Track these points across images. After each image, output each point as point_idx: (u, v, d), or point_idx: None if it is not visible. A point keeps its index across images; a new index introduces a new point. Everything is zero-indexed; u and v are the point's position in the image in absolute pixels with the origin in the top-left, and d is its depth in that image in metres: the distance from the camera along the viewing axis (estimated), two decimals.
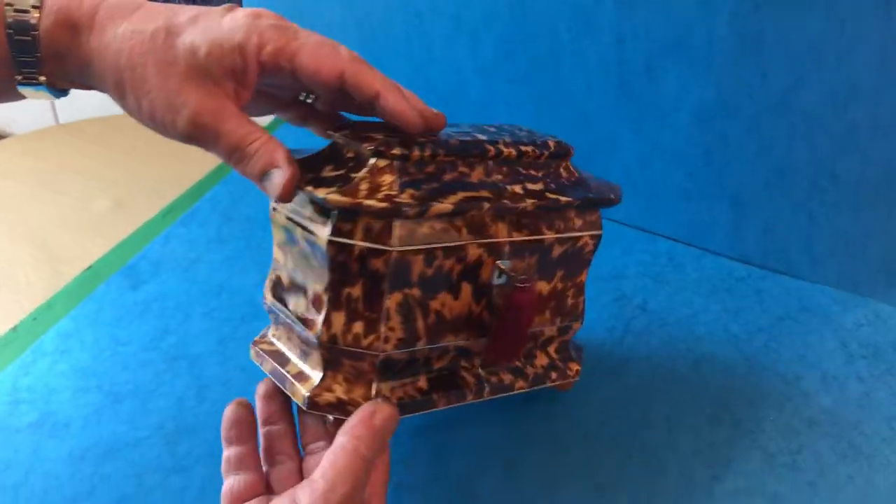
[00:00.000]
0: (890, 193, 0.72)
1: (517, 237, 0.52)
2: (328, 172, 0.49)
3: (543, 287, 0.55)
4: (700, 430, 0.65)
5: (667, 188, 0.80)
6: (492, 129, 0.57)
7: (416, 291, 0.49)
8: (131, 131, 1.00)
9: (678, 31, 0.71)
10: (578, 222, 0.55)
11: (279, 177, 0.45)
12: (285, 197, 0.45)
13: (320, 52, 0.45)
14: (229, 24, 0.44)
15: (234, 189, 0.85)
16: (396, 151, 0.47)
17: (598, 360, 0.69)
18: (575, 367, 0.61)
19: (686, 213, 0.81)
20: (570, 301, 0.58)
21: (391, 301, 0.48)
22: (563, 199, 0.53)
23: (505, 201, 0.51)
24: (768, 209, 0.77)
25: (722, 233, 0.80)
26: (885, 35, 0.65)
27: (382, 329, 0.48)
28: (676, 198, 0.80)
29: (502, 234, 0.51)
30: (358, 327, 0.48)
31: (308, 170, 0.49)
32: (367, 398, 0.49)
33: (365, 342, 0.48)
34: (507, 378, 0.58)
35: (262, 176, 0.45)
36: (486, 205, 0.49)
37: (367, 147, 0.48)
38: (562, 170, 0.56)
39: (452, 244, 0.49)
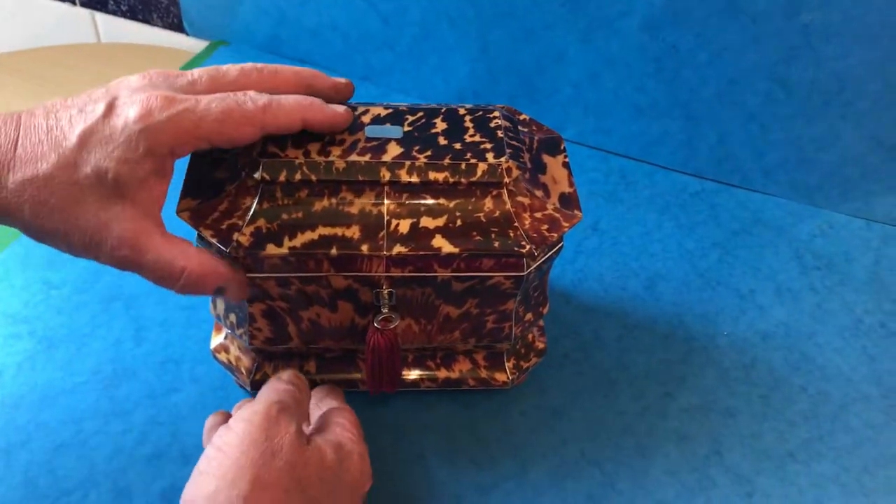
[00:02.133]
0: (840, 99, 0.70)
1: (396, 272, 0.48)
2: (217, 174, 0.49)
3: (452, 311, 0.51)
4: (653, 348, 0.64)
5: (618, 103, 0.78)
6: (420, 122, 0.51)
7: (281, 304, 0.50)
8: (61, 62, 0.95)
9: None
10: (488, 262, 0.48)
11: (231, 290, 0.47)
12: (243, 298, 0.48)
13: (230, 121, 0.43)
14: (125, 133, 0.41)
15: None
16: (264, 176, 0.46)
17: (551, 282, 0.68)
18: (501, 377, 0.58)
19: (638, 127, 0.78)
20: (490, 325, 0.53)
21: (254, 308, 0.50)
22: (446, 250, 0.47)
23: (376, 247, 0.47)
24: (721, 121, 0.75)
25: (674, 147, 0.78)
26: None
27: (248, 328, 0.52)
28: (628, 113, 0.78)
29: (377, 269, 0.48)
30: (232, 318, 0.53)
31: (209, 166, 0.50)
32: (250, 370, 0.56)
33: (239, 331, 0.53)
34: (414, 375, 0.57)
35: (215, 295, 0.47)
36: (335, 251, 0.46)
37: (242, 161, 0.47)
38: (488, 200, 0.48)
39: (309, 275, 0.48)
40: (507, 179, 0.48)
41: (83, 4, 1.01)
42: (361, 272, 0.48)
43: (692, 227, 0.74)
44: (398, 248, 0.47)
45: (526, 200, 0.49)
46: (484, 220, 0.48)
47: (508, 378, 0.58)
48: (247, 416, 0.43)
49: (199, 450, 0.55)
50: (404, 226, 0.47)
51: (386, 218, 0.47)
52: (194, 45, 0.97)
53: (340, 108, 0.48)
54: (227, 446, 0.41)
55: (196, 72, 0.45)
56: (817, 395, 0.62)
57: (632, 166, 0.80)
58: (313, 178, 0.47)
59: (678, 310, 0.67)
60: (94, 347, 0.61)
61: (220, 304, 0.55)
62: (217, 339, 0.59)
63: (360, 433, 0.48)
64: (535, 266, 0.49)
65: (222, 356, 0.58)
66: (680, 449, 0.57)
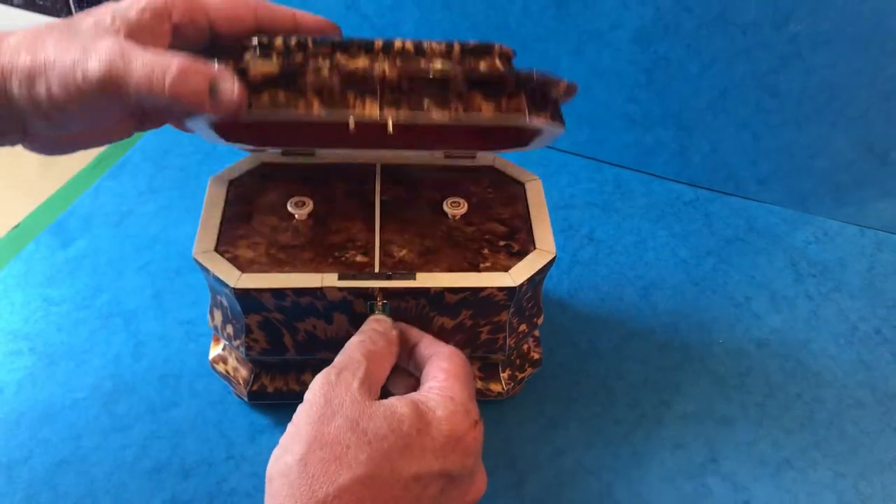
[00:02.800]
0: (832, 108, 0.71)
1: (386, 284, 0.49)
2: None
3: (446, 322, 0.52)
4: (649, 356, 0.64)
5: (610, 113, 0.78)
6: None
7: (277, 315, 0.51)
8: None
9: None
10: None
11: (225, 91, 0.40)
12: (240, 104, 0.41)
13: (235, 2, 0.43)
14: None
15: (165, 138, 0.81)
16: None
17: (546, 292, 0.68)
18: (496, 388, 0.58)
19: (631, 137, 0.79)
20: (484, 337, 0.54)
21: (250, 319, 0.51)
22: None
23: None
24: (713, 130, 0.76)
25: (668, 156, 0.79)
26: None
27: (245, 339, 0.52)
28: (620, 123, 0.78)
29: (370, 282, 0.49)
30: (229, 329, 0.54)
31: None
32: (247, 381, 0.57)
33: (236, 342, 0.54)
34: None
35: (210, 91, 0.40)
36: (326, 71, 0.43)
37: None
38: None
39: (303, 287, 0.49)
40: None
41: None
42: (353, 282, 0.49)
43: (687, 235, 0.75)
44: None
45: None
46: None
47: (503, 389, 0.58)
48: (312, 384, 0.43)
49: (200, 463, 0.56)
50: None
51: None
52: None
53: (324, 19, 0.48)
54: (295, 417, 0.41)
55: None
56: (813, 402, 0.62)
57: (626, 175, 0.81)
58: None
59: (674, 318, 0.67)
60: (94, 363, 0.61)
61: (218, 315, 0.55)
62: (215, 350, 0.60)
63: (463, 389, 0.44)
64: (527, 278, 0.50)
65: (220, 367, 0.59)
66: (676, 457, 0.58)
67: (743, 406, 0.61)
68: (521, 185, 0.57)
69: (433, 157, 0.58)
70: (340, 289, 0.49)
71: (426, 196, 0.56)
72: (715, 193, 0.79)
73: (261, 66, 0.42)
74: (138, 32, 0.41)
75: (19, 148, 0.44)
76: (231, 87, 0.40)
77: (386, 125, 0.42)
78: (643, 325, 0.67)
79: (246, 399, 0.57)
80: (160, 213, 0.73)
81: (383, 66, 0.42)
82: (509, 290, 0.50)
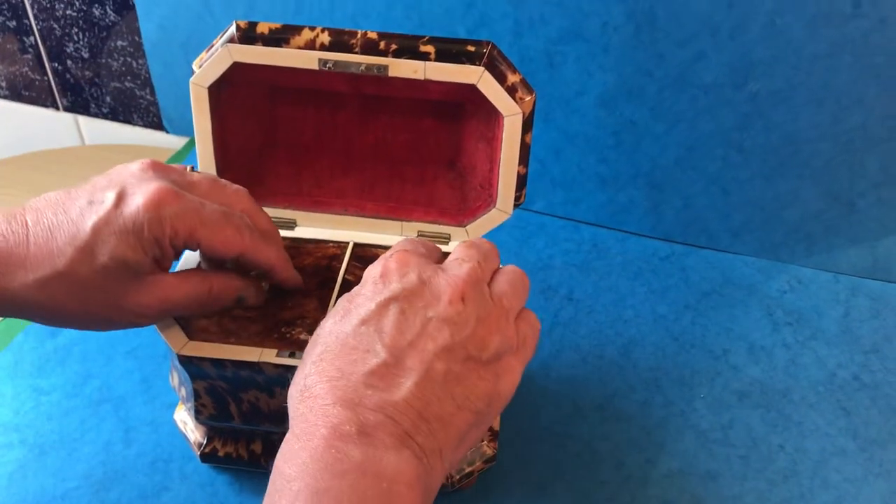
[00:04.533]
0: (796, 160, 0.73)
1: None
2: None
3: None
4: (632, 415, 0.65)
5: (583, 175, 0.80)
6: None
7: (221, 383, 0.53)
8: (43, 168, 0.98)
9: (574, 20, 0.71)
10: None
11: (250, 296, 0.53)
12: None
13: (224, 235, 0.47)
14: (136, 221, 0.44)
15: None
16: None
17: None
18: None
19: (605, 197, 0.81)
20: None
21: (197, 385, 0.53)
22: None
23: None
24: (683, 186, 0.78)
25: (642, 214, 0.81)
26: (771, 9, 0.66)
27: (194, 402, 0.54)
28: (593, 183, 0.80)
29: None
30: (183, 392, 0.56)
31: None
32: (200, 444, 0.59)
33: (188, 405, 0.56)
34: None
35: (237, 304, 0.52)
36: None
37: None
38: None
39: (242, 360, 0.51)
40: None
41: (66, 109, 1.05)
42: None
43: (664, 290, 0.76)
44: None
45: None
46: None
47: (449, 481, 0.56)
48: None
49: None
50: None
51: None
52: (174, 142, 1.01)
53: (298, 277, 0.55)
54: None
55: (196, 175, 0.50)
56: (795, 452, 0.63)
57: (603, 234, 0.82)
58: None
59: (655, 374, 0.68)
60: (85, 451, 0.62)
61: (176, 377, 0.57)
62: (181, 410, 0.62)
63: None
64: None
65: (181, 426, 0.61)
66: None
67: (727, 460, 0.62)
68: None
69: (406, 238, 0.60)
70: (276, 365, 0.50)
71: None
72: (690, 248, 0.81)
73: None
74: (153, 268, 0.47)
75: None
76: (256, 297, 0.53)
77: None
78: (625, 383, 0.68)
79: (200, 461, 0.59)
80: None
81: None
82: None
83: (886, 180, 0.71)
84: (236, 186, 0.51)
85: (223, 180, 0.51)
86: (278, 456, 0.37)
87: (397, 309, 0.40)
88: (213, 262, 0.53)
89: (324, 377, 0.38)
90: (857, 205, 0.73)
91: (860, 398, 0.67)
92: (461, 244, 0.46)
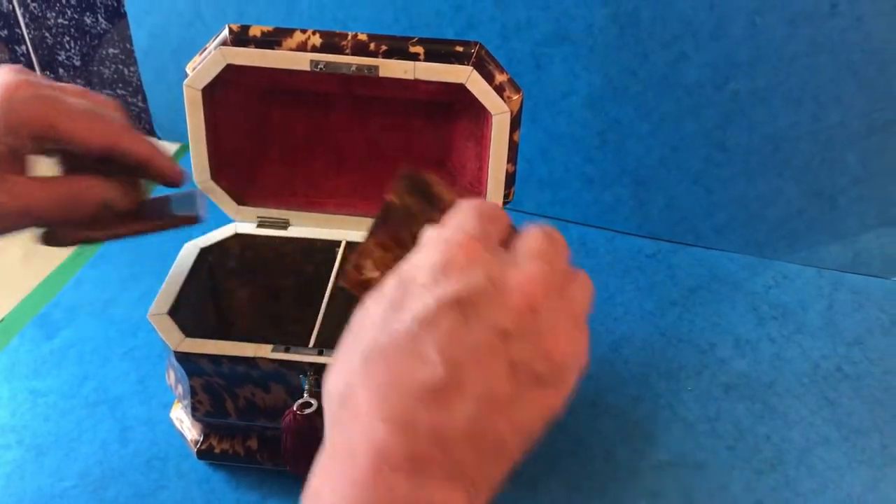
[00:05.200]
0: (777, 158, 0.74)
1: (318, 359, 0.51)
2: None
3: None
4: (623, 409, 0.66)
5: (570, 174, 0.82)
6: None
7: (218, 379, 0.54)
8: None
9: (559, 23, 0.73)
10: None
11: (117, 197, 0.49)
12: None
13: (92, 125, 0.45)
14: None
15: None
16: None
17: None
18: None
19: (591, 196, 0.82)
20: None
21: (194, 381, 0.55)
22: None
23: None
24: (668, 185, 0.79)
25: (628, 212, 0.82)
26: (751, 9, 0.67)
27: (191, 400, 0.55)
28: (580, 183, 0.82)
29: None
30: (180, 389, 0.57)
31: None
32: (197, 441, 0.60)
33: (184, 402, 0.57)
34: None
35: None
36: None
37: None
38: None
39: (238, 355, 0.52)
40: None
41: None
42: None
43: (651, 287, 0.78)
44: None
45: None
46: None
47: None
48: None
49: None
50: None
51: None
52: (166, 148, 1.01)
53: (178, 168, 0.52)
54: None
55: (69, 85, 0.48)
56: (781, 442, 0.64)
57: (591, 234, 0.84)
58: None
59: (644, 370, 0.70)
60: (82, 451, 0.63)
61: (172, 375, 0.58)
62: (177, 408, 0.63)
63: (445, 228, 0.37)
64: None
65: (177, 424, 0.62)
66: None
67: (714, 451, 0.63)
68: None
69: None
70: (272, 360, 0.51)
71: None
72: (676, 245, 0.82)
73: None
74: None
75: (1, 244, 0.47)
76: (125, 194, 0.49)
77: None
78: (615, 378, 0.69)
79: (196, 457, 0.60)
80: (142, 299, 0.75)
81: None
82: None
83: (865, 176, 0.73)
84: (105, 95, 0.50)
85: (97, 94, 0.49)
86: (315, 471, 0.33)
87: (460, 314, 0.33)
88: (76, 165, 0.49)
89: (372, 382, 0.32)
90: (837, 201, 0.75)
91: (843, 389, 0.68)
92: (537, 230, 0.37)
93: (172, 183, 0.51)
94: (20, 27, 0.98)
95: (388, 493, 0.31)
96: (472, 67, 0.52)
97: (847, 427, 0.65)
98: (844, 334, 0.73)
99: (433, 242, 0.36)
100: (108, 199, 0.48)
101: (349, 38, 0.53)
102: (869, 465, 0.62)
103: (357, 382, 0.33)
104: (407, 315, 0.33)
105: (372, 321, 0.34)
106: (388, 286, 0.35)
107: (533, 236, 0.37)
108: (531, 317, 0.34)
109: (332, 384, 0.34)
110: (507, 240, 0.37)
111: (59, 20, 0.96)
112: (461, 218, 0.37)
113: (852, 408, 0.67)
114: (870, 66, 0.67)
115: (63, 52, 0.99)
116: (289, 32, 0.54)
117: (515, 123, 0.55)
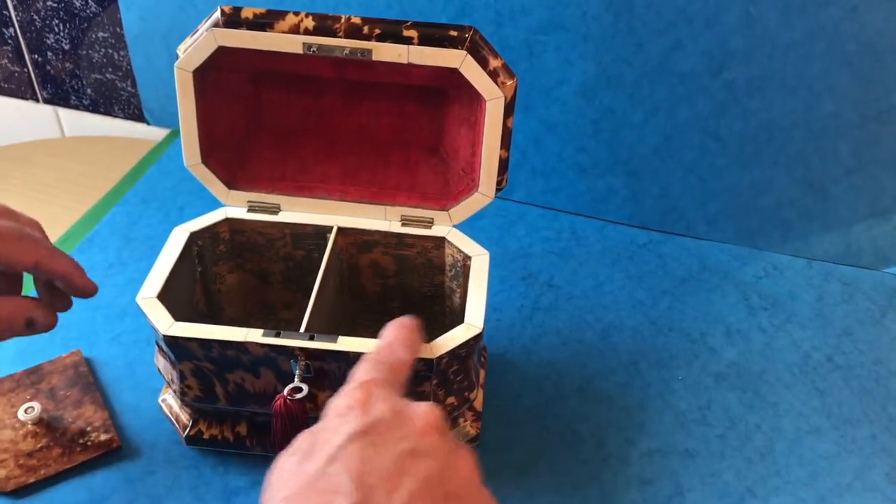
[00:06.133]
0: (771, 148, 0.74)
1: (307, 344, 0.51)
2: None
3: None
4: (612, 396, 0.66)
5: (562, 163, 0.81)
6: None
7: (207, 364, 0.54)
8: (23, 160, 0.98)
9: (553, 10, 0.72)
10: None
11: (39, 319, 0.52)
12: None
13: (19, 245, 0.49)
14: None
15: (132, 210, 0.83)
16: None
17: (510, 340, 0.71)
18: None
19: (584, 185, 0.82)
20: None
21: (183, 366, 0.54)
22: None
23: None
24: (661, 174, 0.79)
25: (620, 202, 0.82)
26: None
27: (180, 384, 0.55)
28: (573, 172, 0.82)
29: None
30: (169, 374, 0.57)
31: None
32: (186, 426, 0.60)
33: (174, 387, 0.57)
34: None
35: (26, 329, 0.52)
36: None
37: None
38: None
39: (228, 339, 0.51)
40: None
41: (46, 101, 1.05)
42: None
43: (642, 276, 0.78)
44: None
45: None
46: None
47: None
48: None
49: None
50: None
51: None
52: (155, 133, 1.01)
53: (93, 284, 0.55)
54: None
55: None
56: (771, 431, 0.64)
57: (582, 223, 0.84)
58: None
59: (634, 358, 0.70)
60: None
61: (161, 360, 0.58)
62: (166, 392, 0.63)
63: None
64: (447, 351, 0.51)
65: (166, 409, 0.62)
66: (643, 493, 0.59)
67: (705, 439, 0.63)
68: (468, 258, 0.58)
69: (390, 225, 0.60)
70: (262, 345, 0.51)
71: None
72: (667, 235, 0.82)
73: None
74: None
75: None
76: (45, 320, 0.52)
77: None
78: (605, 366, 0.69)
79: (184, 444, 0.60)
80: (130, 285, 0.75)
81: None
82: (427, 362, 0.51)
83: (858, 166, 0.73)
84: (29, 216, 0.53)
85: (15, 210, 0.53)
86: None
87: (368, 442, 0.36)
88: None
89: None
90: (830, 191, 0.75)
91: (833, 379, 0.68)
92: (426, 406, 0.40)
93: (87, 295, 0.54)
94: (8, 9, 0.97)
95: None
96: (466, 52, 0.52)
97: (837, 417, 0.65)
98: (835, 325, 0.73)
99: (336, 398, 0.39)
100: (32, 317, 0.52)
101: (342, 21, 0.53)
102: (859, 454, 0.62)
103: None
104: (318, 457, 0.35)
105: (287, 472, 0.36)
106: (299, 440, 0.37)
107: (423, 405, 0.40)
108: (436, 435, 0.37)
109: None
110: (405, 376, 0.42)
111: (48, 3, 0.95)
112: (359, 369, 0.41)
113: (842, 398, 0.67)
114: (864, 56, 0.67)
115: (52, 36, 0.98)
116: (281, 15, 0.53)
117: (509, 109, 0.54)
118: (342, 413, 0.38)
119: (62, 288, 0.53)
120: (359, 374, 0.41)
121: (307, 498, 0.34)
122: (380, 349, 0.43)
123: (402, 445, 0.36)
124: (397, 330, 0.45)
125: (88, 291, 0.54)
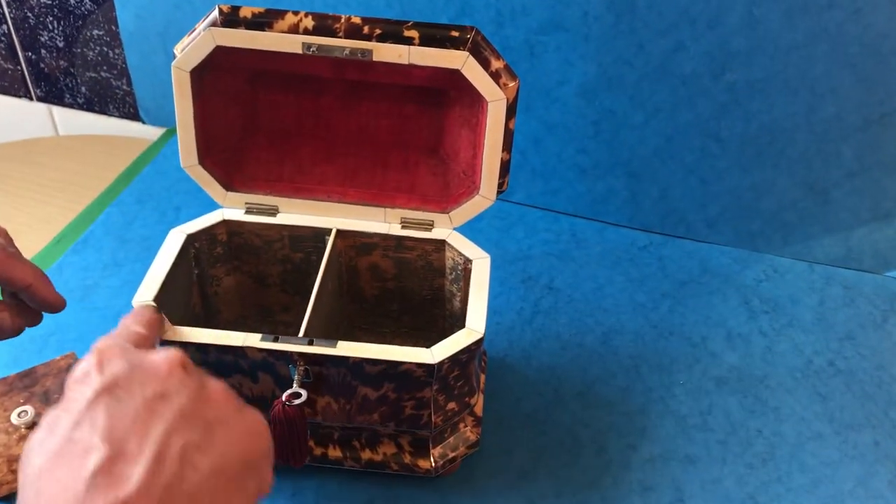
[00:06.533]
0: (773, 151, 0.74)
1: (306, 349, 0.50)
2: None
3: (369, 392, 0.52)
4: (613, 401, 0.66)
5: (562, 165, 0.81)
6: None
7: (204, 368, 0.52)
8: (16, 159, 0.97)
9: (554, 10, 0.72)
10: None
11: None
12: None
13: None
14: None
15: (127, 210, 0.82)
16: None
17: (510, 343, 0.70)
18: (425, 465, 0.57)
19: (584, 187, 0.82)
20: (409, 412, 0.53)
21: None
22: None
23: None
24: (661, 176, 0.78)
25: (620, 204, 0.81)
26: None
27: None
28: (573, 173, 0.81)
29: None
30: None
31: None
32: None
33: None
34: (335, 453, 0.57)
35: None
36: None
37: None
38: None
39: (226, 344, 0.50)
40: None
41: (40, 99, 1.03)
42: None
43: (642, 279, 0.77)
44: None
45: None
46: None
47: (432, 466, 0.57)
48: None
49: None
50: None
51: None
52: (151, 132, 1.00)
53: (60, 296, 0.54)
54: None
55: None
56: (773, 436, 0.64)
57: (581, 224, 0.83)
58: None
59: (634, 362, 0.69)
60: None
61: None
62: None
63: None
64: (448, 356, 0.50)
65: None
66: (644, 499, 0.59)
67: (706, 445, 0.63)
68: (469, 261, 0.57)
69: (390, 227, 0.60)
70: (261, 349, 0.50)
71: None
72: (667, 237, 0.82)
73: None
74: None
75: None
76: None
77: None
78: (605, 370, 0.68)
79: None
80: (125, 286, 0.74)
81: None
82: (428, 367, 0.50)
83: (860, 170, 0.73)
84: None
85: None
86: None
87: (111, 398, 0.35)
88: None
89: (42, 497, 0.32)
90: (831, 194, 0.75)
91: (835, 384, 0.68)
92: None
93: (53, 309, 0.53)
94: (1, 6, 0.96)
95: None
96: (468, 53, 0.51)
97: (839, 422, 0.65)
98: (836, 329, 0.73)
99: (73, 369, 0.38)
100: None
101: (342, 20, 0.52)
102: (861, 460, 0.62)
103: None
104: (63, 426, 0.34)
105: (36, 448, 0.34)
106: (44, 417, 0.36)
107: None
108: (182, 374, 0.37)
109: None
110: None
111: (43, 0, 0.94)
112: (96, 343, 0.39)
113: (844, 403, 0.66)
114: (867, 58, 0.67)
115: (46, 33, 0.97)
116: (280, 14, 0.52)
117: (511, 111, 0.53)
118: (80, 380, 0.37)
119: (26, 300, 0.51)
120: (96, 344, 0.40)
121: (58, 465, 0.33)
122: (114, 330, 0.45)
123: (146, 392, 0.35)
124: (131, 313, 0.47)
125: (54, 304, 0.52)
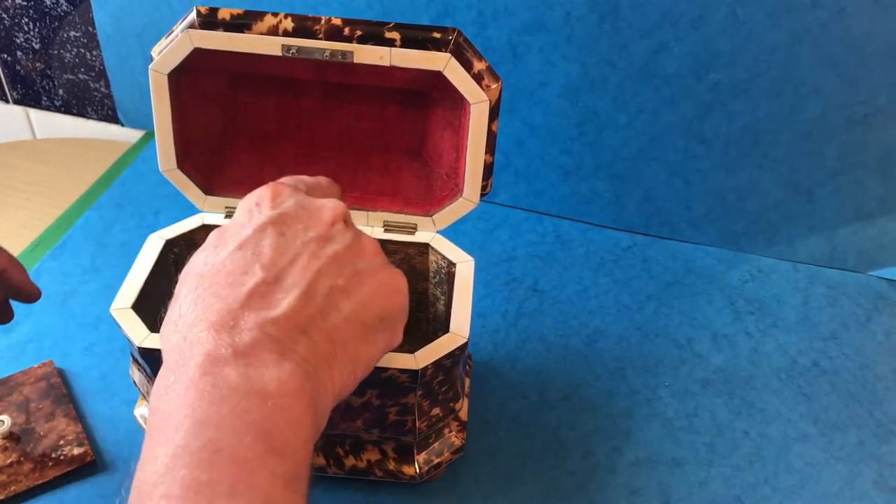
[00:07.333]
0: (757, 151, 0.74)
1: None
2: None
3: (353, 399, 0.51)
4: (598, 404, 0.65)
5: (546, 166, 0.80)
6: None
7: None
8: None
9: (537, 11, 0.71)
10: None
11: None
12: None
13: None
14: None
15: (106, 214, 0.81)
16: None
17: (495, 346, 0.69)
18: (409, 471, 0.56)
19: (567, 188, 0.81)
20: (392, 418, 0.53)
21: None
22: None
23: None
24: (645, 177, 0.78)
25: (604, 205, 0.81)
26: (731, 0, 0.67)
27: None
28: (556, 175, 0.81)
29: None
30: (145, 387, 0.55)
31: None
32: None
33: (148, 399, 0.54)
34: (318, 461, 0.56)
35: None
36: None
37: None
38: None
39: None
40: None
41: (16, 102, 1.02)
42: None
43: (627, 281, 0.77)
44: None
45: None
46: None
47: (416, 472, 0.56)
48: None
49: None
50: None
51: None
52: (130, 135, 0.98)
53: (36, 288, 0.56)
54: None
55: None
56: (759, 438, 0.63)
57: (566, 226, 0.83)
58: None
59: (620, 364, 0.69)
60: None
61: (136, 372, 0.56)
62: (142, 406, 0.61)
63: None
64: (432, 362, 0.49)
65: (142, 422, 0.60)
66: (631, 503, 0.58)
67: (692, 447, 0.63)
68: (453, 264, 0.57)
69: (372, 231, 0.59)
70: None
71: None
72: (651, 238, 0.82)
73: None
74: None
75: None
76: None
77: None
78: (591, 372, 0.68)
79: None
80: (104, 292, 0.73)
81: None
82: (412, 373, 0.49)
83: (843, 169, 0.73)
84: None
85: None
86: (152, 394, 0.34)
87: (276, 231, 0.38)
88: None
89: (199, 305, 0.36)
90: (815, 194, 0.75)
91: (820, 384, 0.68)
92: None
93: (27, 297, 0.54)
94: None
95: (220, 385, 0.32)
96: (449, 55, 0.51)
97: (824, 422, 0.65)
98: (820, 329, 0.73)
99: (248, 195, 0.41)
100: None
101: (323, 22, 0.51)
102: (846, 461, 0.62)
103: (187, 309, 0.36)
104: (227, 246, 0.38)
105: (198, 263, 0.38)
106: (210, 238, 0.40)
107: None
108: (342, 225, 0.40)
109: (166, 321, 0.37)
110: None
111: (18, 0, 0.92)
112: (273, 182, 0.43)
113: (829, 403, 0.66)
114: (850, 58, 0.67)
115: (21, 35, 0.95)
116: (259, 16, 0.51)
117: (494, 113, 0.53)
118: (250, 209, 0.40)
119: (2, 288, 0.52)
120: (272, 182, 0.43)
121: (218, 280, 0.36)
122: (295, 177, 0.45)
123: (309, 233, 0.39)
124: (313, 178, 0.47)
125: (28, 292, 0.53)
